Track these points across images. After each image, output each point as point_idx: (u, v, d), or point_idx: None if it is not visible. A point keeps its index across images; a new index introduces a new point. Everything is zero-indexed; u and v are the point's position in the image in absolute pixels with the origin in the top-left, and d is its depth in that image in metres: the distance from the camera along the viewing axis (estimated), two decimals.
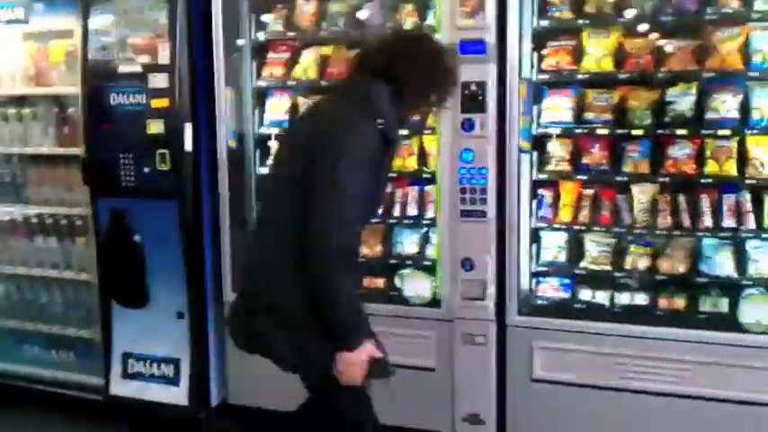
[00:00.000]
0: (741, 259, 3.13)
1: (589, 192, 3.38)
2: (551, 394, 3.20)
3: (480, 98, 3.15)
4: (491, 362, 3.26)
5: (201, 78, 3.53)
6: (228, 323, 2.49)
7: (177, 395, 3.63)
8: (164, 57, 3.47)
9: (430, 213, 3.47)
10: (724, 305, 3.10)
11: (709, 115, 3.13)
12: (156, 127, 3.47)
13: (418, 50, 2.41)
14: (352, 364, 2.21)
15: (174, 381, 3.65)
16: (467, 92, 3.14)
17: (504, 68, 3.15)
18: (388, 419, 2.50)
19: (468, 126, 3.16)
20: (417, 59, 2.37)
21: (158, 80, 3.47)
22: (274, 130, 3.71)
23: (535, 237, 3.43)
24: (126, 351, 3.75)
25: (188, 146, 3.48)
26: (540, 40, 3.33)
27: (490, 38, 3.11)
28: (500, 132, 3.18)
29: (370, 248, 3.54)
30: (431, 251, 3.47)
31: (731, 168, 3.10)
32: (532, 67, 3.29)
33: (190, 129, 3.49)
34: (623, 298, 3.30)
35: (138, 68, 3.51)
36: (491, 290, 3.23)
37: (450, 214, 3.25)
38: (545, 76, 3.34)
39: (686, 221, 3.20)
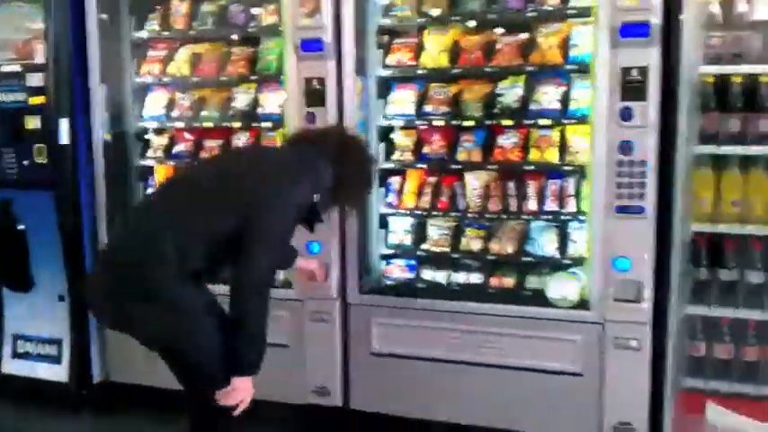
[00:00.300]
0: (563, 240, 3.36)
1: (432, 179, 3.61)
2: (389, 366, 3.44)
3: (321, 93, 3.37)
4: (336, 338, 3.50)
5: (77, 77, 3.76)
6: (95, 302, 2.65)
7: (60, 373, 3.89)
8: (40, 57, 3.71)
9: None
10: (545, 283, 3.33)
11: (533, 107, 3.36)
12: (33, 123, 3.72)
13: (361, 159, 2.84)
14: (244, 390, 2.48)
15: (57, 360, 3.90)
16: (310, 87, 3.37)
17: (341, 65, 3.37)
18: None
19: (311, 119, 3.40)
20: (359, 166, 2.78)
21: (35, 79, 3.72)
22: (153, 124, 3.96)
23: (384, 222, 3.66)
24: (15, 333, 4.00)
25: (64, 140, 3.73)
26: (385, 37, 3.56)
27: (327, 37, 3.33)
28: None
29: None
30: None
31: (552, 156, 3.33)
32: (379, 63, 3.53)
33: (66, 123, 3.73)
34: (460, 277, 3.53)
35: (18, 68, 3.75)
36: (335, 272, 3.46)
37: None
38: (390, 72, 3.57)
39: (514, 206, 3.43)
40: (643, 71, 2.91)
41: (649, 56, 2.91)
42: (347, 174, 2.74)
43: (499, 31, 3.46)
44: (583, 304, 3.18)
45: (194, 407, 2.65)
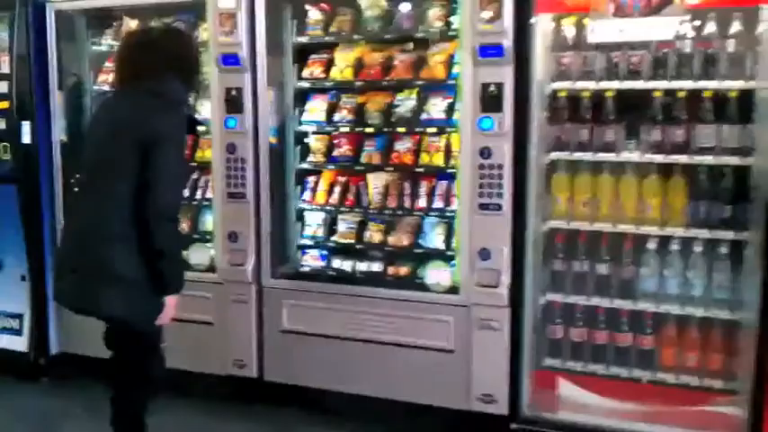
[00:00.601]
0: (448, 234, 3.81)
1: (342, 179, 4.08)
2: (298, 342, 3.92)
3: (238, 101, 3.87)
4: (252, 317, 3.98)
5: (38, 85, 4.31)
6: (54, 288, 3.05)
7: (20, 344, 4.43)
8: (5, 68, 4.27)
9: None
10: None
11: (424, 116, 3.82)
12: None
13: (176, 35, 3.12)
14: (173, 307, 2.91)
15: (18, 332, 4.44)
16: (229, 96, 3.87)
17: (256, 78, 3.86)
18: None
19: (230, 124, 3.89)
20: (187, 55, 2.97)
21: (1, 87, 4.27)
22: None
23: (300, 216, 4.15)
24: None
25: (26, 139, 4.28)
26: (301, 53, 4.05)
27: (243, 52, 3.82)
28: (255, 130, 3.90)
29: None
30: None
31: (439, 160, 3.78)
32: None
33: (27, 126, 4.28)
34: (363, 266, 4.00)
35: None
36: (251, 258, 3.95)
37: (221, 197, 3.98)
38: (305, 84, 4.05)
39: (408, 203, 3.89)
40: (499, 86, 3.35)
41: (504, 73, 3.35)
42: (186, 70, 2.93)
43: (397, 48, 3.90)
44: (454, 290, 3.61)
45: (123, 377, 3.06)
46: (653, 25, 3.16)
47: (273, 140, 3.92)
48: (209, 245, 4.10)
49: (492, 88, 3.36)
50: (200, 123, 3.14)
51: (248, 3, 3.80)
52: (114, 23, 4.49)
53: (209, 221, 4.21)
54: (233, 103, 3.87)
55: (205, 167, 4.16)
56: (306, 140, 4.12)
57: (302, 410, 3.92)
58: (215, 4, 3.83)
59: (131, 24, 4.39)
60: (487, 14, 3.29)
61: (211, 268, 4.08)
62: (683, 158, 3.25)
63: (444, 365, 3.63)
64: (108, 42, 4.47)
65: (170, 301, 2.90)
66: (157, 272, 2.79)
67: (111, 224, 2.76)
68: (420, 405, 3.69)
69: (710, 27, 3.19)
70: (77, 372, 4.40)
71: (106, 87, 4.42)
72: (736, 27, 3.14)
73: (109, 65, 4.48)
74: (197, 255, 4.12)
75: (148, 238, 2.75)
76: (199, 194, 4.30)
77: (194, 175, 4.29)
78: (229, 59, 3.84)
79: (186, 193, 4.08)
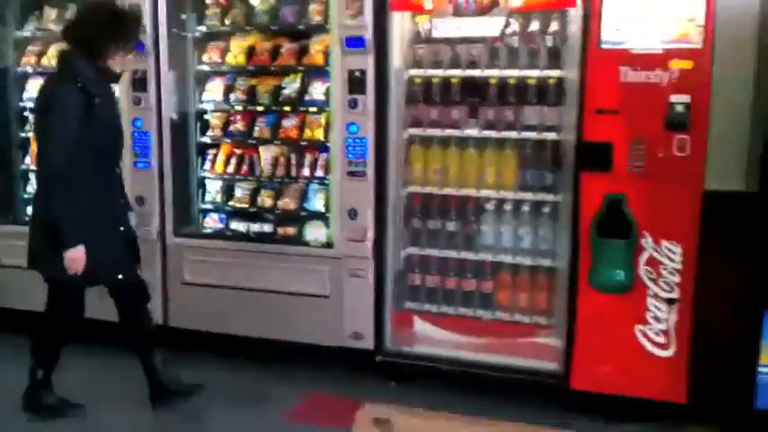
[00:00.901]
0: (328, 198, 4.44)
1: (238, 151, 4.67)
2: (198, 293, 4.51)
3: (144, 82, 4.42)
4: (157, 270, 4.55)
5: None
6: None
7: None
8: None
9: None
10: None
11: (307, 97, 4.43)
12: None
13: (95, 17, 3.47)
14: (72, 260, 3.41)
15: None
16: (135, 77, 4.42)
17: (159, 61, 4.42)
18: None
19: (136, 101, 4.45)
20: (95, 25, 3.44)
21: None
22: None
23: (202, 183, 4.74)
24: None
25: None
26: (202, 41, 4.61)
27: (147, 40, 4.37)
28: (158, 107, 4.46)
29: None
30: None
31: (319, 135, 4.40)
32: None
33: None
34: (256, 227, 4.61)
35: None
36: (156, 220, 4.52)
37: (129, 167, 4.53)
38: (205, 68, 4.63)
39: (294, 172, 4.51)
40: (362, 72, 3.98)
41: (366, 61, 3.98)
42: (95, 41, 3.41)
43: (284, 38, 4.50)
44: (330, 245, 4.25)
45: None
46: (484, 23, 3.82)
47: (175, 116, 4.47)
48: None
49: (357, 74, 3.99)
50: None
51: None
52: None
53: None
54: (138, 84, 4.41)
55: None
56: (206, 117, 4.68)
57: (204, 353, 4.50)
58: None
59: (51, 14, 4.88)
60: (351, 11, 3.91)
61: None
62: (512, 134, 3.94)
63: (322, 309, 4.27)
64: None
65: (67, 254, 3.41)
66: None
67: None
68: (303, 344, 4.31)
69: (534, 25, 3.86)
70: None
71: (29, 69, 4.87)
72: (553, 26, 3.82)
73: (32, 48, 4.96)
74: None
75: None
76: None
77: None
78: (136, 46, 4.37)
79: None
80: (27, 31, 4.94)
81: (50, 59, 4.83)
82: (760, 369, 3.53)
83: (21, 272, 3.87)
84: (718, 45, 3.44)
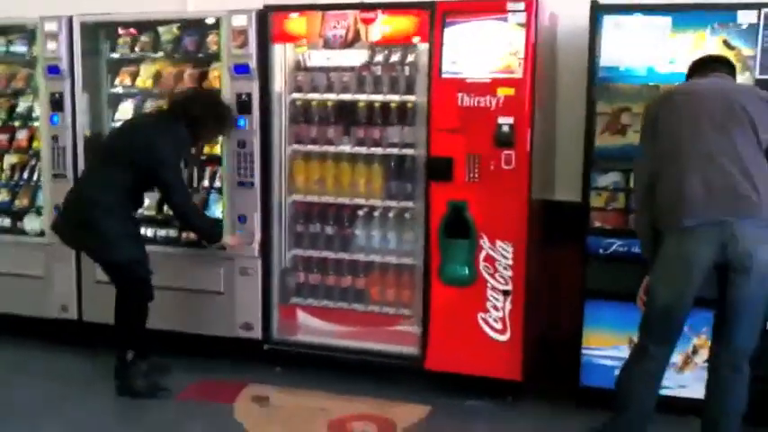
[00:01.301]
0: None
1: None
2: (109, 291, 5.02)
3: (60, 102, 4.96)
4: (72, 270, 5.06)
5: None
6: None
7: None
8: None
9: None
10: None
11: None
12: None
13: (206, 108, 4.29)
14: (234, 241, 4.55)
15: None
16: (53, 98, 4.96)
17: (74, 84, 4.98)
18: None
19: (54, 120, 5.00)
20: (206, 114, 4.27)
21: None
22: None
23: None
24: None
25: None
26: (113, 66, 5.18)
27: (63, 65, 4.92)
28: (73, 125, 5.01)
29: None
30: None
31: (217, 150, 4.97)
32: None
33: None
34: (162, 232, 5.16)
35: None
36: None
37: (48, 177, 5.06)
38: (117, 90, 5.19)
39: (195, 183, 5.07)
40: (249, 95, 4.58)
41: (252, 86, 4.58)
42: (199, 123, 4.24)
43: (187, 65, 5.08)
44: (224, 247, 4.82)
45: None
46: (350, 55, 4.45)
47: (88, 133, 5.03)
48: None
49: (244, 97, 4.58)
50: None
51: (67, 26, 4.90)
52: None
53: (40, 197, 5.29)
54: (56, 104, 4.96)
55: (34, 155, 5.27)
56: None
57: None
58: (42, 27, 4.91)
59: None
60: (238, 42, 4.51)
61: (41, 232, 5.16)
62: (378, 150, 4.55)
63: (218, 303, 4.83)
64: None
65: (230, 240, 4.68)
66: None
67: None
68: (202, 335, 4.87)
69: (394, 57, 4.50)
70: None
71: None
72: (409, 58, 4.45)
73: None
74: (31, 222, 5.23)
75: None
76: (26, 175, 5.37)
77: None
78: (53, 70, 4.93)
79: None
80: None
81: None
82: (584, 351, 4.16)
83: None
84: (559, 73, 4.09)
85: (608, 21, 3.99)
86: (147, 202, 5.04)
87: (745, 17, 3.82)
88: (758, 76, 3.81)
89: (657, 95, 3.57)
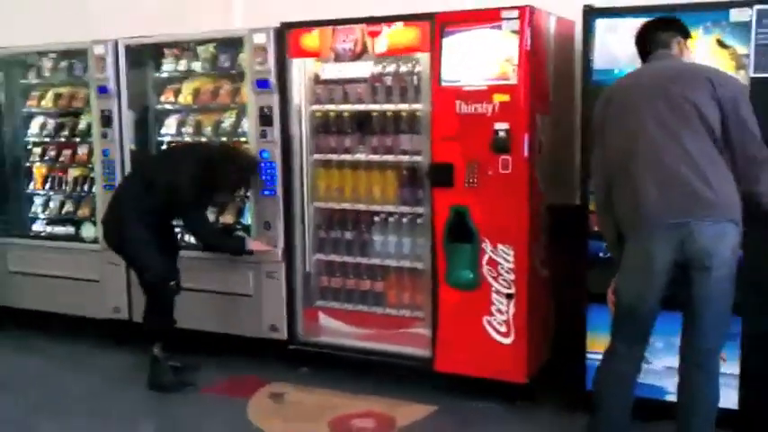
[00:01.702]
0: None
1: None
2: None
3: (110, 119, 5.40)
4: (123, 275, 5.50)
5: None
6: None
7: None
8: None
9: None
10: None
11: (240, 129, 5.32)
12: None
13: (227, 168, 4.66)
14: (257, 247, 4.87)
15: None
16: (103, 116, 5.41)
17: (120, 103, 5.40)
18: None
19: (104, 134, 5.44)
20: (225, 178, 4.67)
21: None
22: None
23: None
24: None
25: None
26: (159, 84, 5.59)
27: (110, 84, 5.35)
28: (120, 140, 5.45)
29: None
30: None
31: None
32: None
33: None
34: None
35: None
36: None
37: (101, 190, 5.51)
38: (162, 107, 5.59)
39: None
40: (270, 108, 4.85)
41: (273, 99, 4.85)
42: (219, 186, 4.68)
43: (224, 80, 5.42)
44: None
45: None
46: (360, 67, 4.64)
47: (133, 147, 5.45)
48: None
49: (266, 110, 4.85)
50: None
51: (113, 49, 5.33)
52: None
53: None
54: (106, 121, 5.40)
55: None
56: (162, 147, 5.64)
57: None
58: (92, 51, 5.37)
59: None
60: (259, 58, 4.79)
61: (96, 240, 5.60)
62: (390, 158, 4.72)
63: (247, 305, 5.10)
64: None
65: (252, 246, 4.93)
66: None
67: None
68: (232, 335, 5.17)
69: (403, 68, 4.65)
70: None
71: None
72: (417, 68, 4.60)
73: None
74: (87, 230, 5.71)
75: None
76: (86, 187, 5.85)
77: None
78: (102, 90, 5.37)
79: None
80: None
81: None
82: (588, 356, 4.17)
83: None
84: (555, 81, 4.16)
85: (600, 24, 4.00)
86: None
87: (738, 15, 3.73)
88: (752, 75, 3.73)
89: (602, 95, 3.51)
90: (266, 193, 4.92)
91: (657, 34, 3.42)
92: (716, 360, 3.22)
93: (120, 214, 4.65)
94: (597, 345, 4.07)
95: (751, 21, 3.71)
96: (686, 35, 3.45)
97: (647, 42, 3.45)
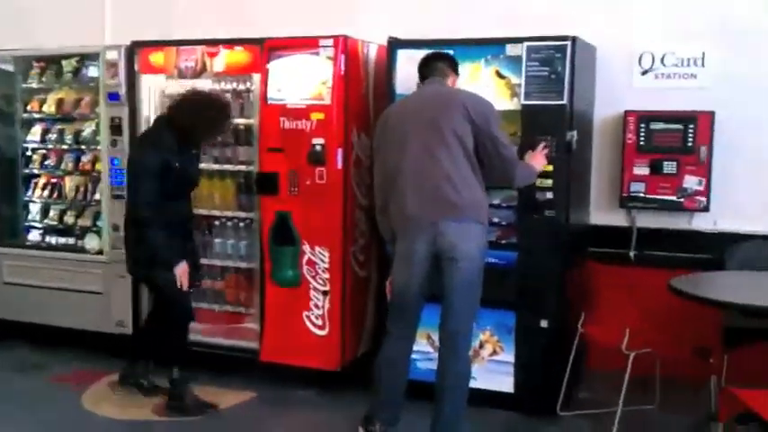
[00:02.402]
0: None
1: (54, 180, 5.96)
2: (16, 292, 5.77)
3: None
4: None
5: None
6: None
7: None
8: None
9: None
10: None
11: (98, 138, 5.72)
12: None
13: (193, 112, 4.35)
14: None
15: None
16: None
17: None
18: None
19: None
20: (192, 118, 4.34)
21: None
22: None
23: (26, 206, 6.02)
24: None
25: None
26: (26, 95, 5.95)
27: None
28: None
29: None
30: None
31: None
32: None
33: None
34: (62, 240, 5.87)
35: None
36: None
37: None
38: (29, 116, 5.95)
39: (89, 197, 5.78)
40: (120, 119, 5.27)
41: (123, 111, 5.27)
42: (188, 126, 4.31)
43: (85, 92, 5.81)
44: (102, 252, 5.50)
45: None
46: (200, 84, 5.10)
47: None
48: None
49: (116, 120, 5.28)
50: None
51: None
52: None
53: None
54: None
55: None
56: (28, 154, 5.99)
57: (23, 339, 5.73)
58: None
59: None
60: (111, 73, 5.22)
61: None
62: (229, 167, 5.19)
63: (98, 302, 5.49)
64: None
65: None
66: None
67: None
68: (84, 330, 5.54)
69: (242, 86, 5.13)
70: None
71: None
72: (252, 86, 5.08)
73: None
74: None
75: None
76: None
77: None
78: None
79: None
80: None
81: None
82: None
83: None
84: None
85: (401, 54, 4.56)
86: (51, 213, 5.74)
87: (512, 50, 4.34)
88: (524, 102, 4.33)
89: (381, 118, 4.08)
90: (117, 197, 5.30)
91: (431, 66, 4.01)
92: (464, 343, 3.77)
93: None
94: None
95: (521, 55, 4.30)
96: (455, 67, 4.06)
97: (425, 69, 4.02)
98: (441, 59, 4.05)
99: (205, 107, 4.42)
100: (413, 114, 3.84)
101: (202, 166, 5.12)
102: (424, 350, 4.49)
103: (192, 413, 4.49)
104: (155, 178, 4.26)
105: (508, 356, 4.46)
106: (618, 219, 5.01)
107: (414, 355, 4.08)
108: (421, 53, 4.41)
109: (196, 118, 4.36)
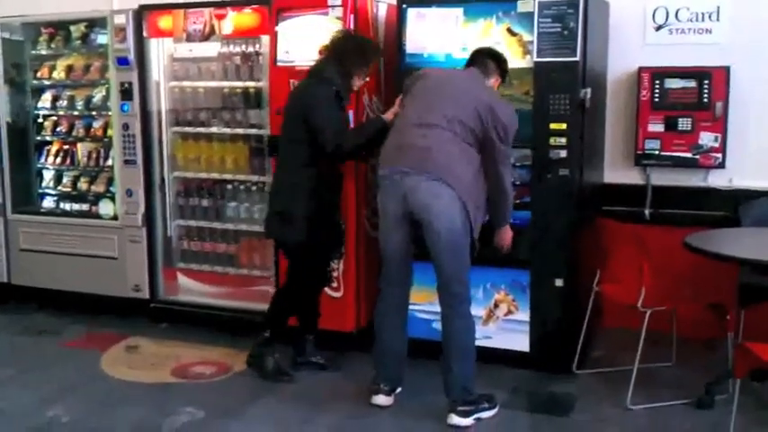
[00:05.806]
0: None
1: (66, 147, 5.96)
2: (32, 258, 5.81)
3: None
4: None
5: None
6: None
7: None
8: None
9: None
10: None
11: (109, 104, 5.70)
12: None
13: (349, 44, 4.19)
14: None
15: None
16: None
17: None
18: None
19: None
20: (350, 49, 4.15)
21: None
22: None
23: (40, 173, 6.03)
24: None
25: None
26: (36, 62, 5.93)
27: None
28: None
29: None
30: None
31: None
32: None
33: None
34: (78, 207, 5.89)
35: None
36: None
37: None
38: (39, 83, 5.93)
39: (102, 162, 5.78)
40: (130, 84, 5.25)
41: (132, 76, 5.25)
42: (347, 61, 4.11)
43: (94, 58, 5.78)
44: (116, 217, 5.52)
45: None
46: (208, 47, 5.07)
47: (9, 120, 5.78)
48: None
49: (126, 85, 5.25)
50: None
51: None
52: None
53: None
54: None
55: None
56: (40, 120, 5.98)
57: (40, 304, 5.80)
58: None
59: None
60: (119, 37, 5.18)
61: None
62: (240, 131, 5.17)
63: (113, 267, 5.52)
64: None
65: None
66: None
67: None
68: (100, 295, 5.58)
69: (251, 48, 5.09)
70: None
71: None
72: (263, 48, 5.04)
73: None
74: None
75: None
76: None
77: None
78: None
79: None
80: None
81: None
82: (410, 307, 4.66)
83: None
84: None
85: (411, 12, 4.50)
86: (66, 180, 5.75)
87: (523, 6, 4.26)
88: (536, 59, 4.26)
89: (419, 72, 4.07)
90: (128, 162, 5.31)
91: (486, 60, 3.98)
92: (460, 301, 3.80)
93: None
94: (416, 297, 4.56)
95: (534, 11, 4.23)
96: (503, 72, 4.03)
97: (475, 58, 4.00)
98: (493, 58, 4.00)
99: (356, 39, 4.34)
100: (440, 87, 3.85)
101: (213, 130, 5.11)
102: (437, 310, 4.45)
103: (268, 377, 4.45)
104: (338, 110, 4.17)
105: (523, 315, 4.45)
106: (633, 177, 4.96)
107: (426, 315, 4.08)
108: (431, 11, 4.39)
109: (353, 50, 4.21)
